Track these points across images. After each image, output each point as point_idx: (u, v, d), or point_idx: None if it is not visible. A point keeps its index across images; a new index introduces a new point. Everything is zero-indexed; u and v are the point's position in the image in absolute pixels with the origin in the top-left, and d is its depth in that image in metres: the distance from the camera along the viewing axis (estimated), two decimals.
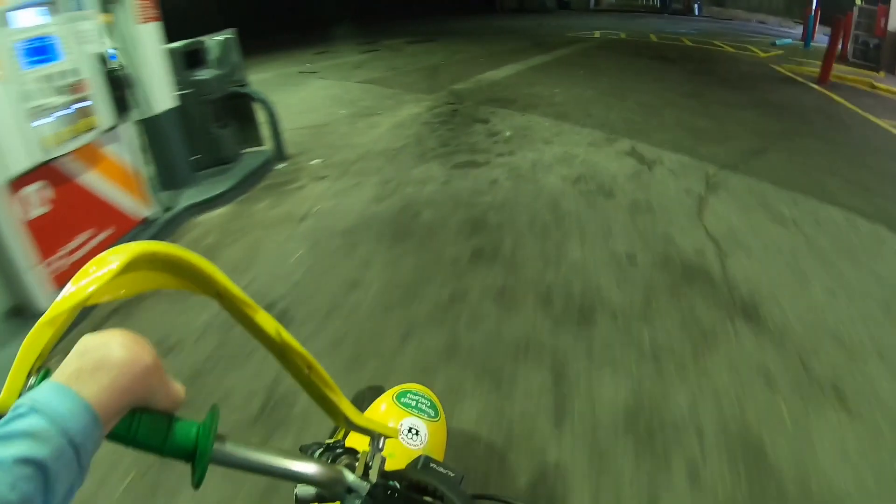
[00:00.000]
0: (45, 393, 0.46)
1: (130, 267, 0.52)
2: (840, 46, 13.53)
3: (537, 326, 3.22)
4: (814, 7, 25.33)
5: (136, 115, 4.28)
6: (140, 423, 0.53)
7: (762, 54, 13.90)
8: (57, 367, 0.49)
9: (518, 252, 3.98)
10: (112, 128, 3.85)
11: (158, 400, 0.55)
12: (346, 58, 14.44)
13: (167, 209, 4.68)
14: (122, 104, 3.89)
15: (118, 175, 4.01)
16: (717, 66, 11.80)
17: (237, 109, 6.15)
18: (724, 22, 24.36)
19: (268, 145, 6.33)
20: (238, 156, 6.13)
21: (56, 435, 0.43)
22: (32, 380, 0.51)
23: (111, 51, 3.94)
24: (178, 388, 0.57)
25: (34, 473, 0.40)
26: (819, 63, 12.19)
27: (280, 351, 0.64)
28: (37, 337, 0.50)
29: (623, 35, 16.98)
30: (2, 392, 0.51)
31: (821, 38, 17.56)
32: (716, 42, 15.74)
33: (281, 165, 6.32)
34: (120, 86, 3.84)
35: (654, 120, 7.28)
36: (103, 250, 0.52)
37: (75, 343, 0.51)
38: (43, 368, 0.52)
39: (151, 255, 0.53)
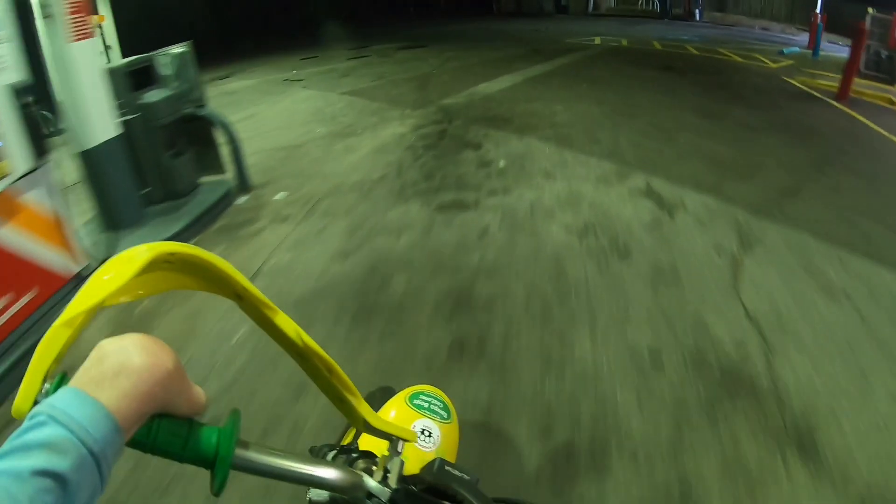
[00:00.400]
0: (63, 400, 0.44)
1: (149, 267, 0.50)
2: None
3: (534, 476, 2.29)
4: (818, 14, 24.50)
5: (68, 149, 3.62)
6: (160, 429, 0.52)
7: (772, 65, 12.99)
8: (71, 370, 0.48)
9: (510, 346, 3.03)
10: (31, 171, 3.04)
11: (179, 405, 0.53)
12: (335, 64, 13.50)
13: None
14: (41, 143, 3.07)
15: (40, 227, 3.25)
16: (728, 78, 10.87)
17: (195, 133, 5.24)
18: (726, 28, 23.46)
19: (230, 173, 5.40)
20: (195, 187, 5.22)
21: (76, 445, 0.41)
22: (48, 384, 0.50)
23: None
24: (200, 392, 0.55)
25: (54, 486, 0.38)
26: (833, 75, 11.30)
27: (300, 353, 0.62)
28: (53, 339, 0.48)
29: (625, 42, 16.05)
30: (17, 396, 0.49)
31: (827, 45, 16.69)
32: (721, 50, 14.83)
33: (242, 199, 5.40)
34: (37, 122, 3.00)
35: (670, 147, 6.34)
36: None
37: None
38: (59, 372, 0.51)
39: (171, 255, 0.51)
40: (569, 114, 7.75)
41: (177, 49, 5.13)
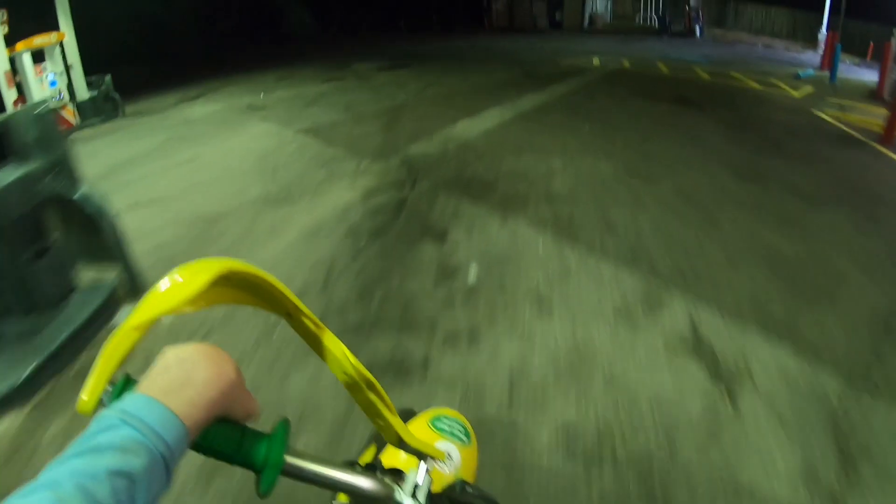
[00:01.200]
0: (136, 406, 0.46)
1: (211, 282, 0.52)
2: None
3: None
4: (830, 33, 22.80)
5: None
6: (216, 433, 0.54)
7: (794, 93, 11.18)
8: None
9: None
10: None
11: (236, 411, 0.55)
12: (307, 87, 11.68)
13: None
14: None
15: None
16: (753, 113, 9.02)
17: (72, 214, 3.47)
18: (729, 46, 21.70)
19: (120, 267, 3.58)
20: (66, 295, 3.42)
21: (149, 449, 0.43)
22: (110, 387, 0.52)
23: None
24: (255, 401, 0.58)
25: (127, 485, 0.40)
26: (863, 105, 10.14)
27: (343, 370, 0.64)
28: (119, 343, 0.51)
29: (626, 63, 14.21)
30: (82, 394, 0.51)
31: (840, 66, 15.00)
32: (734, 74, 13.02)
33: (127, 310, 3.53)
34: None
35: (712, 238, 4.42)
36: None
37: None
38: (122, 373, 0.53)
39: (231, 272, 0.53)
40: (570, 174, 5.83)
41: (38, 108, 3.34)
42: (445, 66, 14.39)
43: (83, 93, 9.02)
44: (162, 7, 28.75)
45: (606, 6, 27.35)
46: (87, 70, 9.42)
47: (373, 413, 0.70)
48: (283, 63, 16.03)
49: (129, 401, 0.46)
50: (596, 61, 14.41)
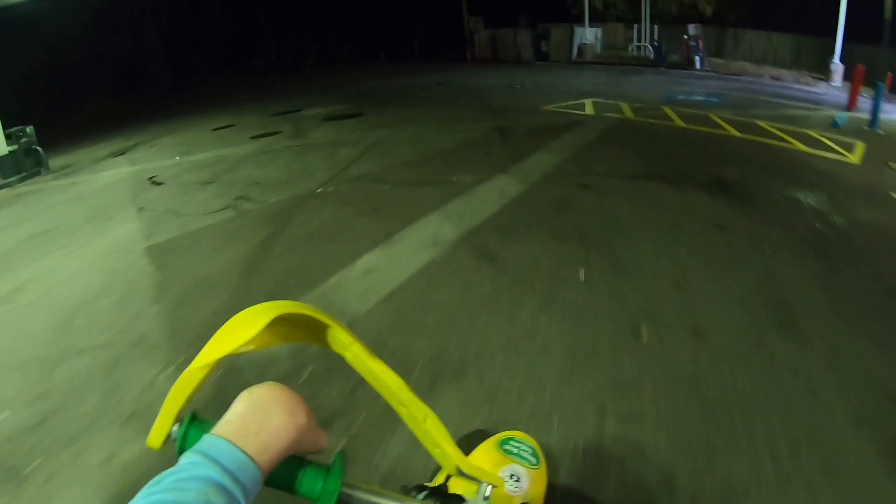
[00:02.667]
0: (216, 450, 0.47)
1: (272, 323, 0.52)
2: None
3: None
4: (837, 59, 19.38)
5: None
6: (282, 468, 0.55)
7: (851, 157, 7.75)
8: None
9: None
10: None
11: (305, 447, 0.56)
12: (232, 145, 9.24)
13: None
14: None
15: None
16: (828, 209, 5.59)
17: None
18: (733, 79, 18.37)
19: None
20: None
21: (227, 489, 0.44)
22: (176, 427, 0.55)
23: None
24: (324, 437, 0.58)
25: None
26: None
27: (401, 402, 0.64)
28: (185, 383, 0.53)
29: (627, 110, 10.74)
30: (152, 431, 0.54)
31: (863, 101, 11.72)
32: (761, 123, 9.61)
33: None
34: None
35: None
36: None
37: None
38: (188, 412, 0.55)
39: (290, 314, 0.54)
40: (569, 437, 2.38)
41: None
42: (404, 115, 10.99)
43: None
44: (129, 40, 25.55)
45: (596, 35, 24.10)
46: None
47: (430, 443, 0.69)
48: (237, 103, 14.66)
49: (210, 444, 0.47)
50: (588, 107, 10.98)
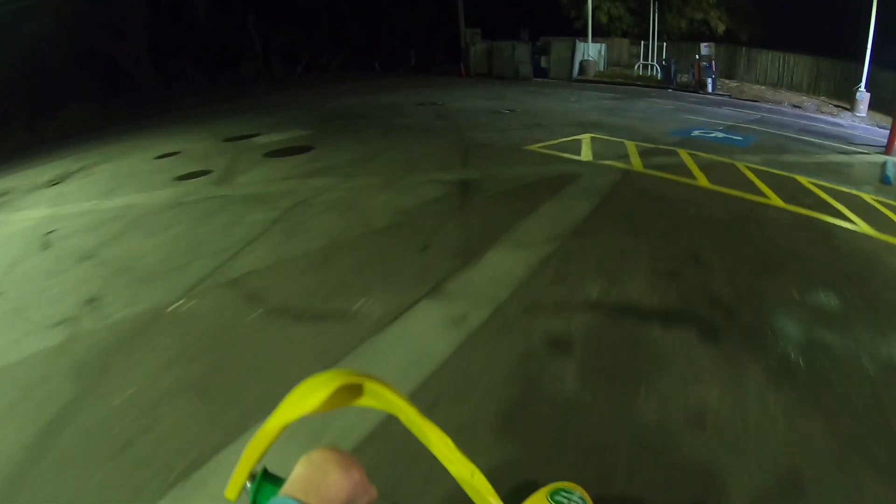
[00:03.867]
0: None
1: (336, 390, 0.57)
2: None
3: None
4: (864, 87, 16.77)
5: None
6: None
7: None
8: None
9: None
10: None
11: (359, 500, 0.59)
12: (149, 190, 7.30)
13: None
14: None
15: None
16: None
17: None
18: (751, 106, 15.80)
19: None
20: None
21: None
22: (249, 483, 0.61)
23: None
24: (374, 490, 0.61)
25: None
26: None
27: (451, 461, 0.65)
28: (258, 442, 0.59)
29: (634, 156, 8.17)
30: (229, 484, 0.62)
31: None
32: (799, 177, 7.13)
33: None
34: None
35: None
36: None
37: None
38: (261, 467, 0.61)
39: (351, 382, 0.58)
40: None
41: None
42: (360, 152, 8.52)
43: None
44: (114, 44, 23.26)
45: (600, 52, 21.54)
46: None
47: (479, 498, 0.69)
48: (203, 118, 12.89)
49: (280, 502, 0.53)
50: (585, 150, 8.43)
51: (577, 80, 19.88)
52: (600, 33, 22.69)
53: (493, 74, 21.17)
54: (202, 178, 7.58)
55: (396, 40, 29.15)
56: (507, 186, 6.35)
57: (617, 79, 19.90)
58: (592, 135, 9.51)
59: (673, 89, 17.90)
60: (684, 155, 8.16)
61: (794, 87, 20.98)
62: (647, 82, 19.24)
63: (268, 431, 0.59)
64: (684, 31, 23.70)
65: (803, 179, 7.18)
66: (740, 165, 7.72)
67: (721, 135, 10.21)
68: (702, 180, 6.78)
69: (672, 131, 10.23)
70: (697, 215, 5.49)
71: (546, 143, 8.68)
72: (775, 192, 6.38)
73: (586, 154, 8.02)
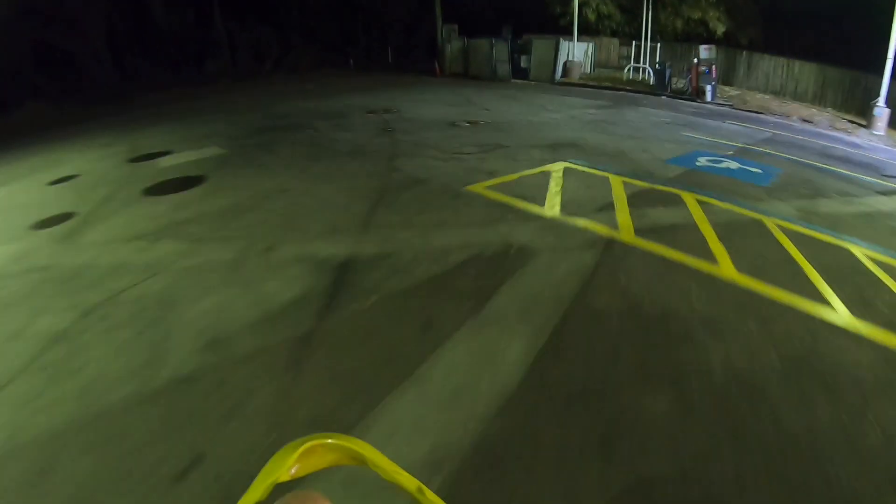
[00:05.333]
0: None
1: (306, 453, 0.53)
2: None
3: None
4: (882, 101, 14.10)
5: None
6: None
7: None
8: None
9: None
10: None
11: None
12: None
13: None
14: None
15: None
16: None
17: None
18: (756, 118, 13.05)
19: None
20: None
21: None
22: None
23: None
24: None
25: None
26: None
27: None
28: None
29: (620, 205, 5.42)
30: None
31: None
32: (852, 248, 4.40)
33: None
34: None
35: None
36: None
37: None
38: None
39: (321, 444, 0.55)
40: None
41: None
42: (253, 190, 5.76)
43: None
44: (72, 39, 20.31)
45: (586, 52, 18.67)
46: None
47: None
48: (143, 122, 10.91)
49: None
50: (552, 194, 5.62)
51: (560, 83, 17.03)
52: (588, 32, 19.82)
53: (469, 74, 18.29)
54: (58, 226, 5.04)
55: (373, 37, 26.06)
56: (407, 279, 3.59)
57: (604, 82, 17.06)
58: (567, 164, 6.74)
59: (667, 96, 15.11)
60: (692, 203, 5.39)
61: (798, 97, 18.20)
62: (639, 87, 16.41)
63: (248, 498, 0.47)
64: (680, 32, 20.83)
65: (860, 252, 4.45)
66: (770, 224, 4.98)
67: (734, 165, 7.46)
68: (724, 263, 4.02)
69: (671, 158, 7.47)
70: (728, 372, 2.74)
71: (500, 180, 5.90)
72: (835, 288, 3.65)
73: (552, 203, 5.24)
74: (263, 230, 4.63)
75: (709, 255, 4.15)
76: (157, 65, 23.65)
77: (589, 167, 6.61)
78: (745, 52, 19.49)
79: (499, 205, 5.13)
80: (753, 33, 20.94)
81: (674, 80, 15.38)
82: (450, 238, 4.26)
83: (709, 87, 14.49)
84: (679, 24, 20.70)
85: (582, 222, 4.70)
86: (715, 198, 5.64)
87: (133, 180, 6.52)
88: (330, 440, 0.58)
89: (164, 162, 7.38)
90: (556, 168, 6.49)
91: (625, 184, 5.94)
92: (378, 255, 4.01)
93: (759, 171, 7.26)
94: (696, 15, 20.40)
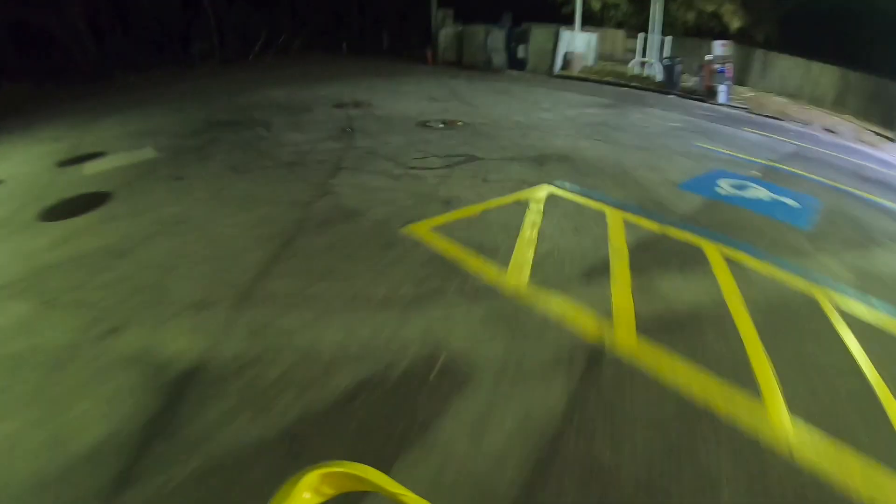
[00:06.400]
0: None
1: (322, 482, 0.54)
2: None
3: None
4: None
5: None
6: None
7: None
8: None
9: None
10: None
11: None
12: None
13: None
14: None
15: None
16: None
17: None
18: (774, 126, 11.18)
19: None
20: None
21: None
22: None
23: None
24: None
25: None
26: None
27: None
28: None
29: (618, 265, 3.69)
30: None
31: None
32: None
33: None
34: None
35: None
36: None
37: None
38: None
39: (334, 472, 0.55)
40: None
41: None
42: (147, 222, 4.06)
43: None
44: (48, 16, 18.42)
45: (589, 43, 16.66)
46: None
47: None
48: (106, 110, 9.26)
49: None
50: (523, 242, 3.88)
51: (559, 76, 15.09)
52: (592, 22, 17.76)
53: (462, 63, 16.33)
54: None
55: (367, 20, 23.91)
56: (251, 430, 1.94)
57: (607, 77, 15.10)
58: (553, 188, 4.98)
59: (676, 95, 13.20)
60: (718, 263, 3.65)
61: (816, 101, 16.23)
62: (645, 84, 14.47)
63: None
64: (691, 26, 18.75)
65: None
66: (825, 304, 3.26)
67: (764, 194, 5.68)
68: (773, 403, 2.29)
69: (686, 181, 5.69)
70: None
71: (457, 215, 4.15)
72: None
73: (520, 261, 3.49)
74: (123, 293, 2.98)
75: (748, 383, 2.43)
76: (140, 45, 21.74)
77: (581, 195, 4.86)
78: (760, 50, 17.45)
79: (442, 263, 3.40)
80: (770, 30, 18.84)
81: (683, 77, 13.44)
82: (348, 333, 2.56)
83: (723, 88, 12.58)
84: (691, 16, 18.62)
85: (558, 305, 2.97)
86: (748, 252, 3.89)
87: (45, 194, 4.92)
88: (341, 469, 0.58)
89: (89, 168, 5.78)
90: (538, 195, 4.74)
91: (626, 224, 4.19)
92: (239, 361, 2.36)
93: (794, 203, 5.49)
94: (710, 8, 18.29)
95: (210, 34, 23.09)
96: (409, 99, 10.21)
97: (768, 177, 6.35)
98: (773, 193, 5.72)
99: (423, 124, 7.73)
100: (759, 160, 7.20)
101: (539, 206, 4.51)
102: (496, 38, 15.17)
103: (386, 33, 24.40)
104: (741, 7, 17.89)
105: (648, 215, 4.50)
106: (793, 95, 16.08)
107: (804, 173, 6.86)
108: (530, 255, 3.56)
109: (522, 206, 4.47)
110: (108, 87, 13.42)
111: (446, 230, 3.89)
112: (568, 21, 16.40)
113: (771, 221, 4.74)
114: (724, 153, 7.33)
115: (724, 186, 5.79)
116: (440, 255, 3.50)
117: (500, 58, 15.29)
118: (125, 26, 21.07)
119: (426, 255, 3.50)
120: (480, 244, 3.65)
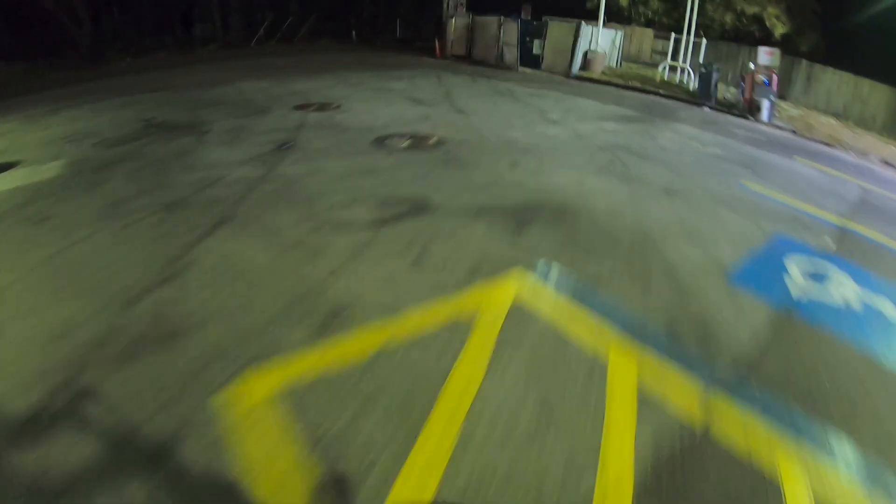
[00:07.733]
0: None
1: None
2: None
3: None
4: None
5: None
6: None
7: None
8: None
9: None
10: None
11: None
12: None
13: None
14: None
15: None
16: None
17: None
18: (826, 157, 8.72)
19: None
20: None
21: None
22: None
23: None
24: None
25: None
26: None
27: None
28: None
29: (623, 466, 1.61)
30: None
31: None
32: None
33: None
34: None
35: None
36: None
37: None
38: None
39: None
40: None
41: None
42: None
43: None
44: None
45: (613, 42, 14.11)
46: None
47: None
48: (84, 99, 7.69)
49: None
50: (440, 427, 1.94)
51: (577, 78, 12.67)
52: (618, 18, 15.16)
53: (472, 59, 13.98)
54: None
55: (379, 8, 21.52)
56: None
57: (633, 81, 12.63)
58: (527, 282, 2.83)
59: (710, 107, 10.75)
60: None
61: (864, 123, 13.51)
62: (675, 92, 11.98)
63: None
64: (728, 29, 15.97)
65: None
66: None
67: (853, 295, 3.47)
68: None
69: (741, 268, 3.48)
70: None
71: (328, 357, 2.07)
72: None
73: None
74: None
75: None
76: (139, 27, 19.89)
77: (572, 300, 2.70)
78: (804, 62, 14.67)
79: None
80: (815, 40, 15.96)
81: (722, 87, 10.96)
82: None
83: (766, 103, 10.09)
84: (729, 18, 15.83)
85: None
86: (860, 476, 1.71)
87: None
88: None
89: (13, 176, 3.92)
90: (497, 301, 2.62)
91: (641, 395, 2.03)
92: None
93: (892, 312, 3.26)
94: (752, 10, 15.47)
95: (213, 17, 21.05)
96: (389, 100, 8.05)
97: (845, 248, 4.10)
98: (861, 287, 3.49)
99: (383, 141, 5.58)
100: (825, 216, 4.92)
101: (492, 332, 2.39)
102: (510, 31, 12.79)
103: (399, 21, 22.03)
104: (786, 12, 15.06)
105: (682, 361, 2.35)
106: (839, 115, 13.39)
107: (886, 243, 4.57)
108: (426, 498, 1.47)
109: (461, 332, 2.36)
110: (97, 71, 12.11)
111: (294, 400, 1.83)
112: (593, 17, 13.88)
113: (871, 364, 2.54)
114: (782, 203, 5.06)
115: (796, 276, 3.58)
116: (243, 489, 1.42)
117: (512, 54, 12.91)
118: (123, 5, 19.23)
119: (219, 481, 1.43)
120: (335, 453, 1.56)
